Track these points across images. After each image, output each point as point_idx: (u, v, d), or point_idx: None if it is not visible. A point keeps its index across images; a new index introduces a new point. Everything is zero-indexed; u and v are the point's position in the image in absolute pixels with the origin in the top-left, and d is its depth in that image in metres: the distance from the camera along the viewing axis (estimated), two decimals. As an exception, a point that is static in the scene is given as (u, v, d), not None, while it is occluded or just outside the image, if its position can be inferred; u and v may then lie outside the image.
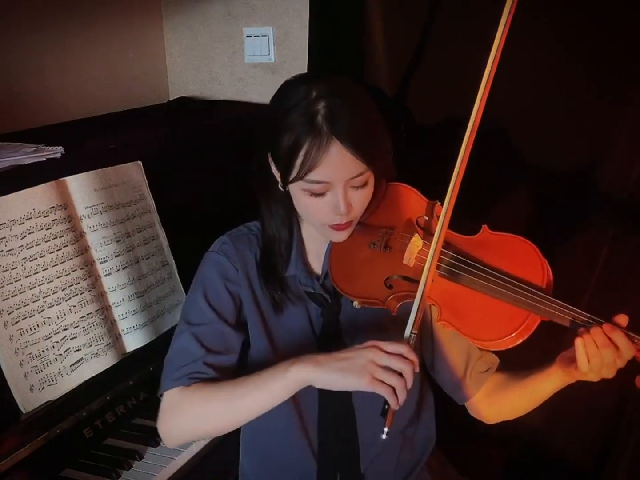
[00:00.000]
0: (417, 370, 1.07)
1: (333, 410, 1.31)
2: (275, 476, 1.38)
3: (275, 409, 1.24)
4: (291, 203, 1.23)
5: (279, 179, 1.20)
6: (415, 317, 1.10)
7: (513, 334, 1.08)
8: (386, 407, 1.07)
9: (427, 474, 1.41)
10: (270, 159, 1.21)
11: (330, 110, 1.11)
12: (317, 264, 1.31)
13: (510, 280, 1.10)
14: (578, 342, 1.06)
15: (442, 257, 1.15)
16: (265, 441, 1.37)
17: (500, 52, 1.12)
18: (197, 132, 1.92)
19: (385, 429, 1.07)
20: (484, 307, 1.11)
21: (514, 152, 1.75)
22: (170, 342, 1.28)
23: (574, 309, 1.07)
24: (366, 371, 1.05)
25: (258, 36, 2.20)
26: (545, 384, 1.22)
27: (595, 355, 1.05)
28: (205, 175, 1.77)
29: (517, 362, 1.30)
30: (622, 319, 1.07)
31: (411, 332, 1.10)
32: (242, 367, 1.30)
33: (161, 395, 1.23)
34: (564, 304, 1.07)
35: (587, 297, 1.67)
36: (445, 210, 1.13)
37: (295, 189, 1.18)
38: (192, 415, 1.19)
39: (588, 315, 1.07)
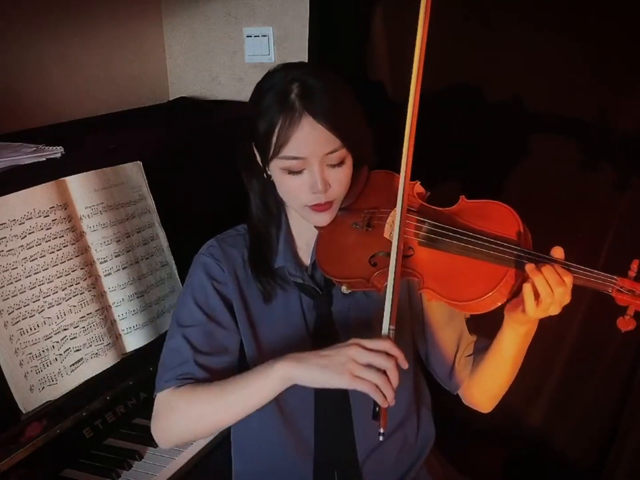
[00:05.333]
0: (405, 366, 1.08)
1: (329, 409, 1.31)
2: (271, 476, 1.37)
3: (269, 409, 1.25)
4: (278, 195, 1.26)
5: (262, 165, 1.24)
6: (391, 311, 1.11)
7: (493, 291, 1.09)
8: (377, 409, 1.07)
9: (427, 472, 1.41)
10: (253, 147, 1.24)
11: (303, 88, 1.15)
12: (305, 256, 1.33)
13: (483, 237, 1.13)
14: (526, 287, 1.06)
15: (420, 224, 1.19)
16: (258, 443, 1.36)
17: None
18: (197, 132, 1.92)
19: (381, 430, 1.07)
20: (464, 268, 1.14)
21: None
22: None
23: (548, 257, 1.08)
24: (346, 368, 1.06)
25: (258, 36, 2.20)
26: (503, 339, 1.22)
27: (547, 296, 1.05)
28: (205, 175, 1.77)
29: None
30: (559, 252, 1.09)
31: (389, 328, 1.11)
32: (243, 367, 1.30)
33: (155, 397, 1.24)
34: (540, 254, 1.09)
35: (605, 251, 1.67)
36: (404, 162, 1.16)
37: (275, 170, 1.21)
38: (182, 416, 1.20)
39: (535, 253, 1.09)
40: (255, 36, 2.21)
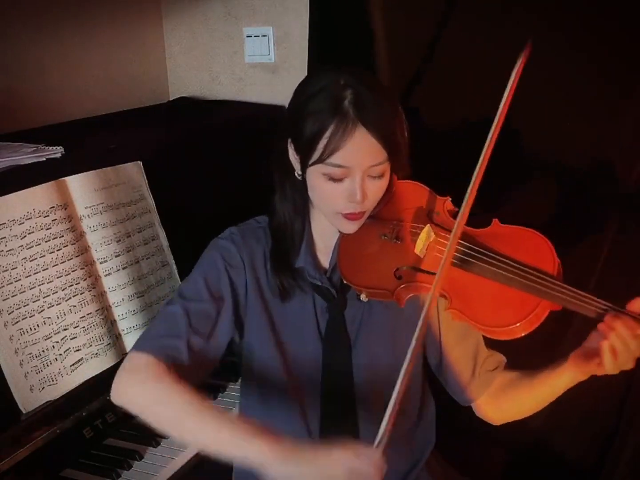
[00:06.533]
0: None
1: (334, 416, 1.31)
2: None
3: (278, 407, 1.24)
4: (306, 193, 1.24)
5: (297, 165, 1.21)
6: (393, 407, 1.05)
7: (523, 321, 1.09)
8: None
9: (427, 474, 1.41)
10: (290, 145, 1.22)
11: (357, 97, 1.13)
12: (325, 259, 1.31)
13: (521, 266, 1.11)
14: (605, 345, 1.05)
15: (456, 246, 1.17)
16: None
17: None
18: (197, 132, 1.92)
19: None
20: (494, 294, 1.13)
21: (523, 148, 1.76)
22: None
23: (589, 295, 1.08)
24: None
25: (258, 36, 2.20)
26: (556, 382, 1.21)
27: (624, 351, 1.04)
28: (205, 175, 1.77)
29: (524, 363, 1.30)
30: (638, 304, 1.07)
31: (381, 437, 1.04)
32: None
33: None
34: (576, 289, 1.08)
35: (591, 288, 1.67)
36: (463, 206, 1.15)
37: (313, 174, 1.18)
38: (145, 398, 1.13)
39: (603, 302, 1.07)
40: (255, 36, 2.21)
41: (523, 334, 1.10)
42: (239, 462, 1.09)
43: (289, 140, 1.21)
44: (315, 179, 1.18)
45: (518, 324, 1.09)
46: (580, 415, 1.81)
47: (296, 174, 1.22)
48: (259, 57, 2.23)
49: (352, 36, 1.93)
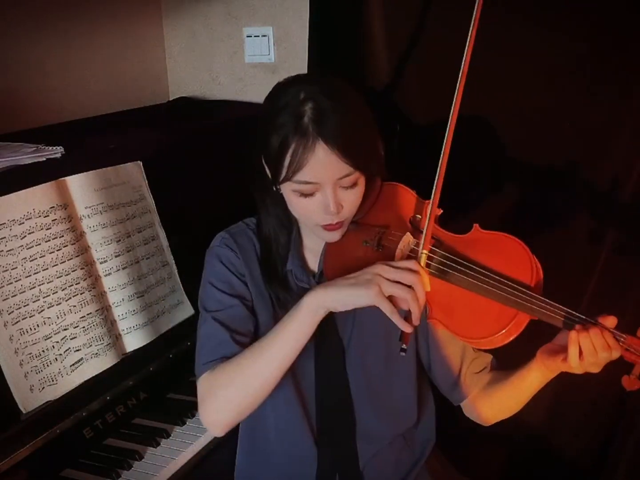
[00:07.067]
0: (427, 288, 1.11)
1: (332, 411, 1.32)
2: (274, 477, 1.38)
3: (282, 409, 1.25)
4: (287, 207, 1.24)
5: (272, 182, 1.21)
6: (425, 236, 1.14)
7: (502, 332, 1.08)
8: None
9: (427, 473, 1.42)
10: (262, 160, 1.22)
11: (317, 111, 1.12)
12: (313, 260, 1.32)
13: (499, 278, 1.10)
14: (572, 335, 1.05)
15: (432, 255, 1.16)
16: (265, 442, 1.37)
17: (472, 49, 1.16)
18: (197, 132, 1.92)
19: (403, 346, 1.13)
20: (472, 305, 1.12)
21: (511, 153, 1.76)
22: (172, 341, 1.27)
23: (563, 308, 1.07)
24: (374, 283, 1.09)
25: (258, 36, 2.20)
26: (528, 380, 1.22)
27: (591, 355, 1.04)
28: (205, 175, 1.77)
29: (509, 362, 1.31)
30: (611, 321, 1.06)
31: (421, 252, 1.14)
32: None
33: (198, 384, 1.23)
34: (553, 303, 1.07)
35: (585, 302, 1.67)
36: (430, 207, 1.17)
37: (286, 189, 1.19)
38: (229, 388, 1.17)
39: (578, 315, 1.07)
40: (255, 36, 2.21)
41: (503, 344, 1.10)
42: (312, 324, 1.15)
43: (262, 155, 1.21)
44: (289, 195, 1.19)
45: (497, 335, 1.08)
46: (580, 415, 1.81)
47: (274, 188, 1.22)
48: (259, 57, 2.23)
49: (352, 36, 1.93)
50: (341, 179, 1.15)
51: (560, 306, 1.07)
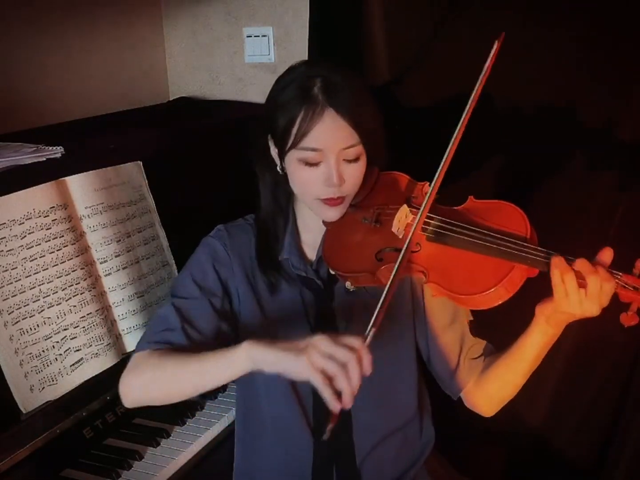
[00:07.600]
0: (368, 371, 1.02)
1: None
2: (270, 473, 1.37)
3: (279, 403, 1.26)
4: (289, 188, 1.27)
5: (276, 158, 1.25)
6: (377, 315, 1.09)
7: (498, 285, 1.09)
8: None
9: (427, 473, 1.42)
10: (269, 140, 1.26)
11: (326, 83, 1.18)
12: (310, 251, 1.34)
13: (494, 234, 1.13)
14: (555, 272, 1.06)
15: (429, 220, 1.19)
16: (262, 436, 1.36)
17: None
18: (197, 132, 1.92)
19: (327, 428, 1.01)
20: (469, 263, 1.15)
21: (512, 148, 1.76)
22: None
23: (558, 254, 1.08)
24: (305, 354, 1.02)
25: (258, 36, 2.20)
26: (528, 344, 1.21)
27: (575, 290, 1.05)
28: (205, 175, 1.77)
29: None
30: (607, 255, 1.08)
31: (370, 329, 1.07)
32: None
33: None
34: (547, 250, 1.09)
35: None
36: (433, 183, 1.17)
37: (291, 162, 1.22)
38: (153, 378, 1.19)
39: (542, 249, 1.09)
40: (255, 36, 2.21)
41: (500, 302, 1.11)
42: (239, 370, 1.10)
43: (268, 136, 1.25)
44: (293, 166, 1.22)
45: (493, 289, 1.09)
46: (580, 415, 1.81)
47: (278, 169, 1.26)
48: (259, 57, 2.23)
49: (352, 36, 1.93)
50: (346, 149, 1.19)
51: (558, 254, 1.08)
